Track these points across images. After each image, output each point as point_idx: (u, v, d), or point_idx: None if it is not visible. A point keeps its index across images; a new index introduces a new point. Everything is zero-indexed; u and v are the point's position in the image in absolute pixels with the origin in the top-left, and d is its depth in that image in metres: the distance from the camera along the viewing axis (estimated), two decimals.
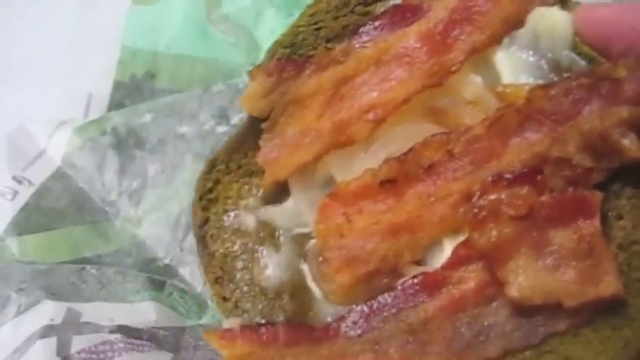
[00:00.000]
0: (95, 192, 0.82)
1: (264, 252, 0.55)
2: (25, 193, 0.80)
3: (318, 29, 0.57)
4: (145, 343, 0.74)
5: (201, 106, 0.86)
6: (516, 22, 0.54)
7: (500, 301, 0.48)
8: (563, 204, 0.48)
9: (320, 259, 0.53)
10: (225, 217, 0.56)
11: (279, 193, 0.56)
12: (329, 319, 0.52)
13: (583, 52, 0.53)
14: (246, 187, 0.57)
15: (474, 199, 0.49)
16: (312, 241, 0.54)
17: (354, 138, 0.53)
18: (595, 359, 0.48)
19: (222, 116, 0.86)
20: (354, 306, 0.51)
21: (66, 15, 0.90)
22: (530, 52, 0.53)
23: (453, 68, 0.53)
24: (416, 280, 0.50)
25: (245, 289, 0.55)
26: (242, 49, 0.92)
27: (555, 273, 0.47)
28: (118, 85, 0.89)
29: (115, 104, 0.88)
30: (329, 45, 0.57)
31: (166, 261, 0.79)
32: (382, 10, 0.57)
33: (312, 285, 0.54)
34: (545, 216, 0.48)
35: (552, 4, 0.54)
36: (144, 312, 0.74)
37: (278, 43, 0.58)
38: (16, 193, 0.79)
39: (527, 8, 0.54)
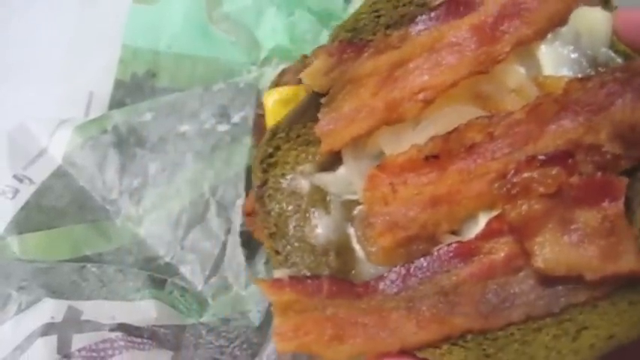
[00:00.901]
0: (96, 190, 0.82)
1: (316, 213, 0.59)
2: (26, 192, 0.80)
3: (378, 16, 0.61)
4: (145, 341, 0.74)
5: (202, 105, 0.86)
6: (561, 20, 0.57)
7: (527, 271, 0.52)
8: (591, 186, 0.52)
9: (365, 223, 0.57)
10: (282, 180, 0.61)
11: (332, 161, 0.60)
12: (368, 277, 0.56)
13: (620, 50, 0.56)
14: (303, 154, 0.61)
15: (509, 176, 0.53)
16: (360, 207, 0.58)
17: (404, 116, 0.57)
18: (610, 330, 0.51)
19: (223, 115, 0.86)
20: (393, 267, 0.55)
21: (67, 14, 0.91)
22: (571, 48, 0.57)
23: (499, 58, 0.56)
24: (451, 248, 0.53)
25: (296, 244, 0.59)
26: (243, 48, 0.92)
27: (579, 248, 0.50)
28: (118, 84, 0.89)
29: (116, 103, 0.88)
30: (387, 31, 0.60)
31: (167, 259, 0.80)
32: (438, 2, 0.60)
33: (356, 246, 0.58)
34: (573, 196, 0.52)
35: (595, 5, 0.57)
36: (144, 310, 0.74)
37: (341, 27, 0.62)
38: (17, 192, 0.79)
39: (571, 7, 0.57)
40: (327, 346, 0.53)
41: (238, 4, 0.93)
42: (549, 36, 0.57)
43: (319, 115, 0.60)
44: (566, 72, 0.57)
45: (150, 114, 0.85)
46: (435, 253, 0.54)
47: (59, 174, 0.82)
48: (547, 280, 0.51)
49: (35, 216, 0.79)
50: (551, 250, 0.51)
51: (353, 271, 0.57)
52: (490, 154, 0.55)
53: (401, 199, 0.55)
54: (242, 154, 0.84)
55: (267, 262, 0.80)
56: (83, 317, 0.72)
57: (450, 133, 0.56)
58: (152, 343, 0.74)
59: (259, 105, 0.85)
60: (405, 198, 0.55)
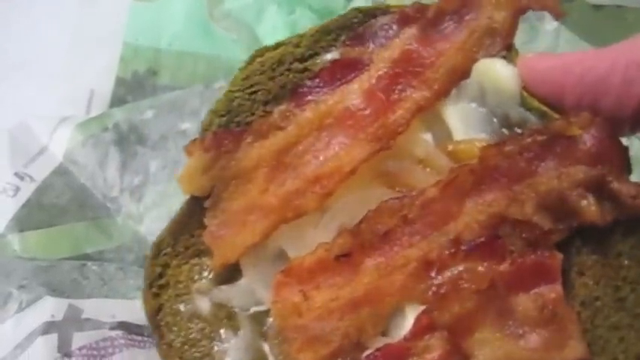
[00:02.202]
0: (97, 188, 0.82)
1: (223, 336, 0.53)
2: (27, 190, 0.80)
3: (253, 92, 0.54)
4: (146, 339, 0.74)
5: (203, 103, 0.86)
6: (463, 74, 0.51)
7: None
8: (524, 270, 0.47)
9: (280, 338, 0.51)
10: (178, 303, 0.54)
11: (231, 271, 0.53)
12: None
13: (533, 107, 0.51)
14: (197, 268, 0.54)
15: (433, 275, 0.48)
16: (271, 319, 0.52)
17: (302, 211, 0.50)
18: None
19: None
20: None
21: (68, 12, 0.91)
22: (479, 106, 0.51)
23: (399, 130, 0.50)
24: (379, 353, 0.47)
25: None
26: (244, 45, 0.92)
27: (520, 341, 0.46)
28: (119, 82, 0.89)
29: (117, 101, 0.88)
30: (267, 109, 0.54)
31: None
32: (320, 66, 0.54)
33: None
34: (507, 284, 0.47)
35: (497, 54, 0.51)
36: None
37: (213, 112, 0.55)
38: (17, 190, 0.79)
39: (472, 57, 0.51)
40: None
41: (239, 2, 0.93)
42: (453, 92, 0.51)
43: (205, 222, 0.53)
44: (477, 134, 0.51)
45: (151, 112, 0.85)
46: None
47: (60, 172, 0.81)
48: None
49: (36, 214, 0.79)
50: (490, 350, 0.46)
51: None
52: (407, 241, 0.48)
53: (316, 308, 0.49)
54: None
55: None
56: (83, 315, 0.72)
57: (358, 223, 0.49)
58: (152, 342, 0.74)
59: None
60: (321, 306, 0.49)
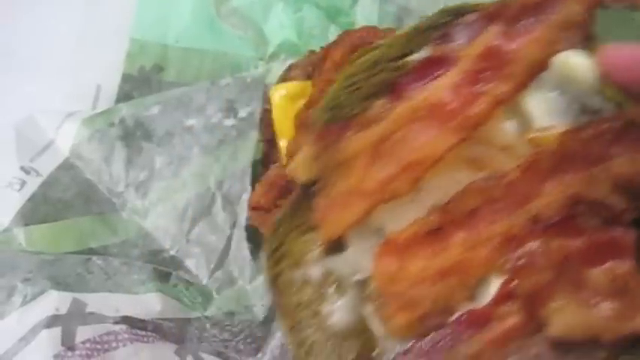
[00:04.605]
0: (102, 183, 0.82)
1: (330, 299, 0.59)
2: (33, 184, 0.80)
3: (355, 89, 0.59)
4: (149, 334, 0.74)
5: (209, 100, 0.86)
6: (541, 67, 0.55)
7: (543, 334, 0.51)
8: (598, 246, 0.51)
9: (379, 302, 0.57)
10: (293, 272, 0.61)
11: (338, 244, 0.59)
12: (391, 356, 0.56)
13: (610, 95, 0.54)
14: (309, 241, 0.61)
15: (514, 249, 0.52)
16: (372, 286, 0.58)
17: (397, 193, 0.56)
18: None
19: (230, 109, 0.86)
20: (414, 342, 0.54)
21: (75, 7, 0.90)
22: (558, 95, 0.56)
23: (483, 121, 0.55)
24: (466, 317, 0.53)
25: (317, 334, 0.59)
26: (251, 42, 0.92)
27: (592, 310, 0.50)
28: (126, 78, 0.89)
29: (124, 96, 0.88)
30: (366, 104, 0.59)
31: (172, 252, 0.79)
32: (413, 64, 0.58)
33: (375, 325, 0.58)
34: (581, 259, 0.51)
35: (576, 46, 0.55)
36: (149, 303, 0.74)
37: (321, 110, 0.60)
38: (23, 184, 0.80)
39: (552, 50, 0.55)
40: None
41: None
42: (534, 84, 0.55)
43: (314, 204, 0.59)
44: (556, 122, 0.55)
45: (157, 108, 0.85)
46: (452, 324, 0.54)
47: (66, 166, 0.82)
48: (564, 342, 0.51)
49: (41, 208, 0.79)
50: (564, 317, 0.50)
51: (375, 350, 0.57)
52: (491, 218, 0.54)
53: (410, 276, 0.55)
54: (248, 148, 0.84)
55: None
56: (87, 309, 0.72)
57: (448, 202, 0.55)
58: (156, 336, 0.74)
59: (266, 100, 0.85)
60: (414, 274, 0.55)
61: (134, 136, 0.84)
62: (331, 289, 0.59)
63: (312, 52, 0.85)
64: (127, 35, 0.89)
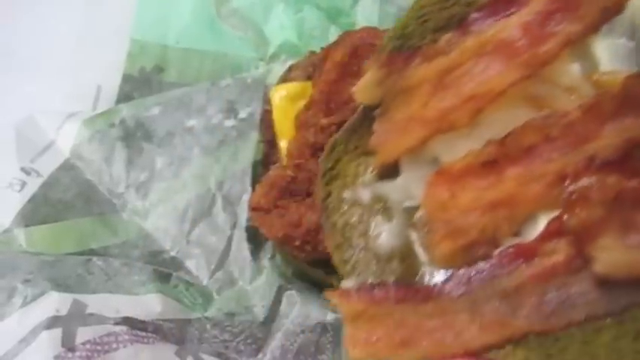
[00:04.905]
0: (103, 184, 0.82)
1: (378, 222, 0.60)
2: (33, 185, 0.80)
3: (425, 21, 0.61)
4: (149, 335, 0.74)
5: (209, 100, 0.86)
6: (617, 10, 0.55)
7: (587, 271, 0.52)
8: None
9: (426, 229, 0.58)
10: (344, 192, 0.62)
11: (391, 170, 0.60)
12: (432, 282, 0.57)
13: None
14: (363, 165, 0.62)
15: (567, 183, 0.53)
16: (420, 213, 0.59)
17: (456, 124, 0.57)
18: None
19: (230, 110, 0.86)
20: (456, 270, 0.55)
21: (75, 7, 0.91)
22: (628, 41, 0.57)
23: (549, 59, 0.55)
24: (511, 250, 0.54)
25: (361, 254, 0.60)
26: (251, 43, 0.92)
27: (638, 251, 0.50)
28: (126, 78, 0.89)
29: (124, 97, 0.88)
30: (435, 36, 0.60)
31: (173, 253, 0.80)
32: (485, 1, 0.59)
33: (419, 251, 0.58)
34: (633, 199, 0.51)
35: None
36: (149, 304, 0.74)
37: (389, 37, 0.62)
38: (24, 185, 0.80)
39: None
40: (396, 351, 0.54)
41: (247, 0, 0.93)
42: (604, 28, 0.56)
43: (374, 127, 0.60)
44: (623, 67, 0.56)
45: (157, 108, 0.85)
46: (496, 256, 0.54)
47: (66, 167, 0.82)
48: (607, 281, 0.51)
49: (42, 209, 0.79)
50: (611, 255, 0.50)
51: (417, 275, 0.58)
52: (547, 156, 0.54)
53: (460, 205, 0.56)
54: (249, 149, 0.84)
55: (272, 258, 0.80)
56: (88, 311, 0.72)
57: (505, 136, 0.55)
58: (156, 337, 0.74)
59: (266, 101, 0.85)
60: (464, 203, 0.56)
61: (135, 137, 0.84)
62: (379, 213, 0.60)
63: (313, 52, 0.86)
64: (128, 36, 0.90)
